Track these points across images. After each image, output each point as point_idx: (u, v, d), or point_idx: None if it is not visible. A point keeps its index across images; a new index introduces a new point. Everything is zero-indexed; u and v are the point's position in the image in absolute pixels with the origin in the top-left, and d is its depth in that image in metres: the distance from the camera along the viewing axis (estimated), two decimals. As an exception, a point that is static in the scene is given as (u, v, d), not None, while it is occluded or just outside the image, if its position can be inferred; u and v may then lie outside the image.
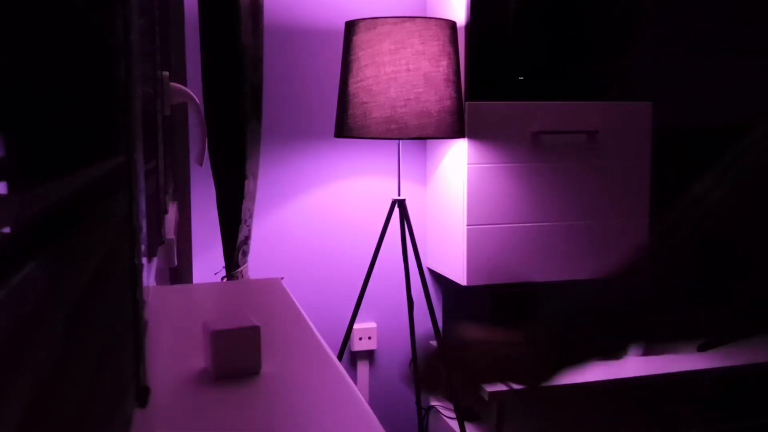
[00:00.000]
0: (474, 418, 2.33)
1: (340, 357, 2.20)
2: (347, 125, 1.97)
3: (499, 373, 0.79)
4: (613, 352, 0.83)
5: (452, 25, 1.99)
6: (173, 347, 0.79)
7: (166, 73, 1.21)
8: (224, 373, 0.73)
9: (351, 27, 1.98)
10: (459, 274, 2.17)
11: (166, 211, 1.31)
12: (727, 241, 0.66)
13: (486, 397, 2.06)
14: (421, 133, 1.92)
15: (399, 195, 2.10)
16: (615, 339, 0.77)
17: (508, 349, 0.78)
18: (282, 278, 2.23)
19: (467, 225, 2.12)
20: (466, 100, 2.11)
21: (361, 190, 2.38)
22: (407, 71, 1.90)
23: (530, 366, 0.77)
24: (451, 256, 2.23)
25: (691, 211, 0.69)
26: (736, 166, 0.66)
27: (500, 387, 2.07)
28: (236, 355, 0.73)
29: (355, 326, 2.38)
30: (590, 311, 0.76)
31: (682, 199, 0.70)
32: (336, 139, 2.29)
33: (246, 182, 1.78)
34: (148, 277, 0.93)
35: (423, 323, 2.46)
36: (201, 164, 1.51)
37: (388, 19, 1.91)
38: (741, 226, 0.65)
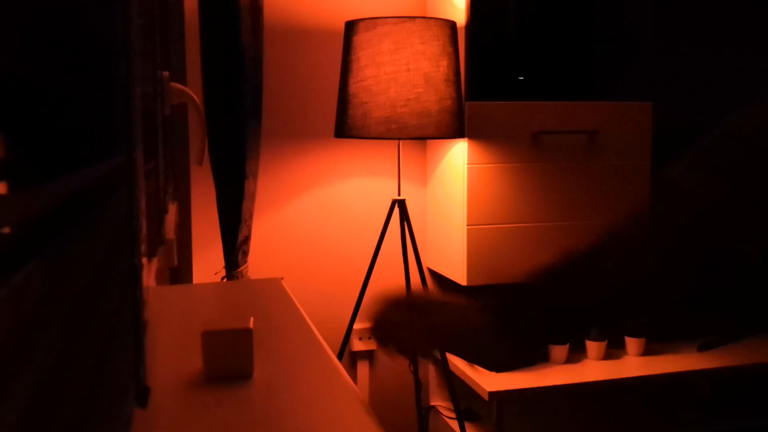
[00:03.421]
0: (474, 418, 2.32)
1: (340, 357, 2.20)
2: (347, 125, 1.97)
3: (456, 340, 0.76)
4: (571, 330, 0.81)
5: (452, 25, 1.99)
6: (173, 347, 0.79)
7: (166, 73, 1.21)
8: (215, 374, 0.72)
9: (351, 27, 1.98)
10: (459, 274, 2.17)
11: (166, 211, 1.31)
12: (714, 232, 0.64)
13: (487, 397, 2.06)
14: (421, 133, 1.92)
15: (399, 195, 2.10)
16: (568, 314, 0.74)
17: (467, 315, 0.76)
18: (282, 278, 2.23)
19: (467, 225, 2.12)
20: (466, 100, 2.11)
21: (361, 190, 2.38)
22: (407, 71, 1.90)
23: (485, 334, 0.75)
24: (451, 256, 2.23)
25: (665, 193, 0.67)
26: (719, 154, 0.64)
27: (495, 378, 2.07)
28: (227, 357, 0.72)
29: (355, 326, 2.38)
30: (549, 281, 0.74)
31: (654, 181, 0.69)
32: (336, 139, 2.29)
33: (246, 182, 1.78)
34: (148, 277, 0.93)
35: (423, 323, 2.46)
36: (201, 164, 1.51)
37: (388, 19, 1.91)
38: (733, 219, 0.63)
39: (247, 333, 0.72)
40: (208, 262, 2.22)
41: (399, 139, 1.94)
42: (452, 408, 2.15)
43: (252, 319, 0.74)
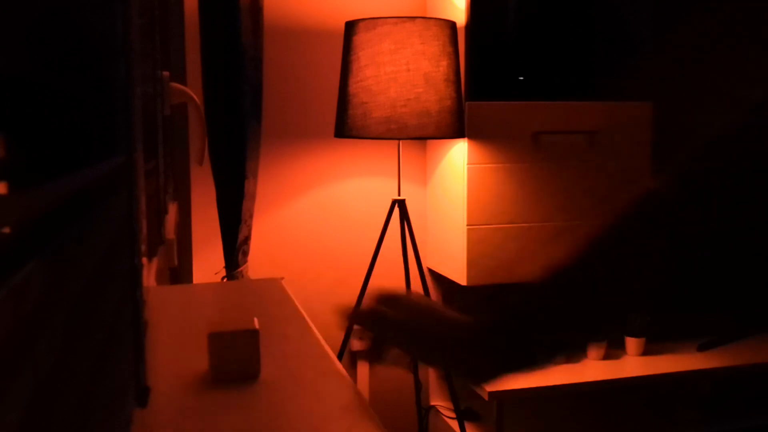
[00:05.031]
0: (474, 418, 2.32)
1: (340, 357, 2.20)
2: (347, 125, 1.96)
3: (427, 353, 0.71)
4: (567, 348, 0.77)
5: (452, 25, 1.99)
6: (173, 347, 0.79)
7: (166, 73, 1.21)
8: (222, 376, 0.72)
9: (351, 27, 1.98)
10: (459, 274, 2.17)
11: (166, 211, 1.31)
12: (677, 221, 0.67)
13: (487, 397, 2.06)
14: (421, 133, 1.92)
15: (399, 195, 2.10)
16: (566, 333, 0.72)
17: (447, 330, 0.71)
18: (282, 278, 2.23)
19: (467, 225, 2.11)
20: (466, 100, 2.11)
21: (361, 190, 2.38)
22: (407, 71, 1.90)
23: (466, 354, 0.71)
24: (451, 256, 2.23)
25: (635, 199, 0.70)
26: (687, 162, 0.67)
27: (500, 385, 2.07)
28: (234, 358, 0.72)
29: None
30: (542, 305, 0.71)
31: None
32: (336, 139, 2.29)
33: (246, 182, 1.78)
34: (148, 277, 0.93)
35: (423, 323, 2.46)
36: (201, 164, 1.51)
37: (388, 20, 1.91)
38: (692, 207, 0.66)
39: (254, 334, 0.72)
40: (208, 262, 2.22)
41: (399, 139, 1.94)
42: (452, 408, 2.15)
43: (256, 319, 0.74)
